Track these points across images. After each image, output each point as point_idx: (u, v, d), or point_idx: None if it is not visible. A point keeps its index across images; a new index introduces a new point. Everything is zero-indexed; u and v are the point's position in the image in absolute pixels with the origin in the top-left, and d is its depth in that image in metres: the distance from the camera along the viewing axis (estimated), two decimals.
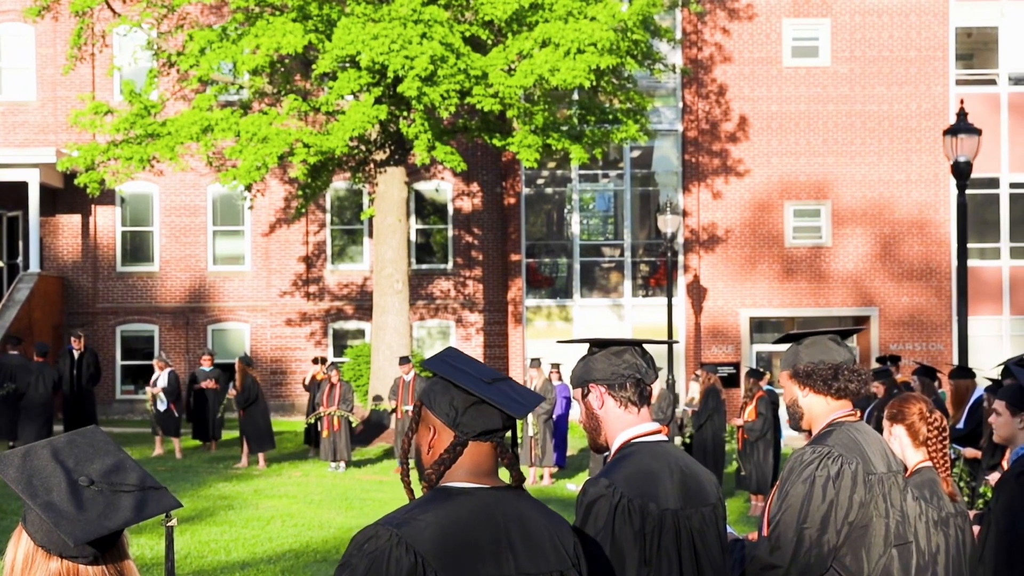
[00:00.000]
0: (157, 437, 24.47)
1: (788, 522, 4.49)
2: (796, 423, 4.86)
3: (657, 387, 21.21)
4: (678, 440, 20.90)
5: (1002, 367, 10.30)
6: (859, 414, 4.86)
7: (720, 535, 4.04)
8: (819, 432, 4.74)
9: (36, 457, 2.75)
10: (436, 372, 3.26)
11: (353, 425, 22.74)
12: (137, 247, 33.97)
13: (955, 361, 23.21)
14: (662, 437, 4.07)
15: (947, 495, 5.71)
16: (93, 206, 33.04)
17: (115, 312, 33.53)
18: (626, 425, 4.03)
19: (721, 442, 19.35)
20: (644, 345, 4.17)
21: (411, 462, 3.47)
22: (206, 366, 25.40)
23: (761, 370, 19.64)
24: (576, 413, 4.17)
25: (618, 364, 4.06)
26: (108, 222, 33.68)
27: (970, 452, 11.07)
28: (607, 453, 4.13)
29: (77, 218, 33.48)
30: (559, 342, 4.75)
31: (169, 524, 2.88)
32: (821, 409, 4.77)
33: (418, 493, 3.30)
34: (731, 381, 30.12)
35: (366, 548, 3.08)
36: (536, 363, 22.09)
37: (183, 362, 32.57)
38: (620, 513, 3.80)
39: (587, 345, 4.22)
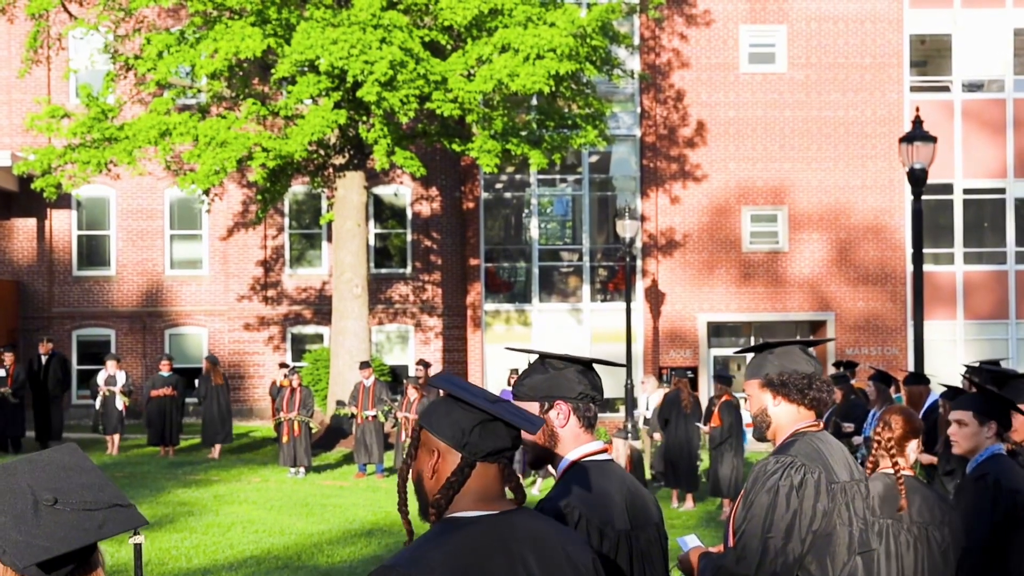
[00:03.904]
0: (109, 437, 24.93)
1: (753, 532, 4.53)
2: (762, 433, 4.84)
3: (660, 393, 21.12)
4: (638, 444, 21.00)
5: (968, 369, 10.40)
6: (822, 424, 4.88)
7: (663, 553, 4.06)
8: (783, 442, 4.75)
9: (2, 477, 2.77)
10: (445, 389, 3.16)
11: (313, 431, 22.72)
12: (93, 251, 33.74)
13: (911, 365, 23.48)
14: (608, 456, 4.09)
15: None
16: (49, 210, 32.80)
17: (71, 316, 33.30)
18: (580, 443, 4.03)
19: (693, 446, 19.41)
20: (595, 365, 4.17)
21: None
22: (165, 371, 25.35)
23: (731, 376, 19.78)
24: None
25: (585, 384, 4.06)
26: (64, 226, 33.45)
27: (926, 458, 11.22)
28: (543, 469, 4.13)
29: (32, 222, 33.22)
30: (508, 348, 4.71)
31: (135, 540, 2.89)
32: (789, 419, 4.77)
33: (416, 525, 3.19)
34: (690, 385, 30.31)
35: None
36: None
37: (140, 367, 32.40)
38: (579, 534, 3.76)
39: (538, 356, 4.19)
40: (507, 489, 3.19)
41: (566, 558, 3.15)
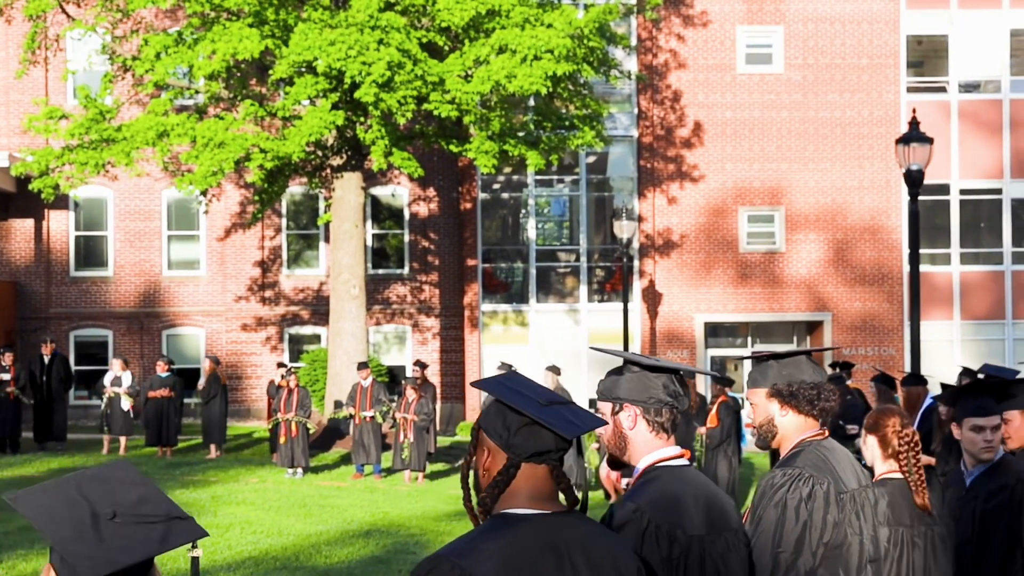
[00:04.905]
0: (107, 436, 25.02)
1: (763, 547, 4.49)
2: (766, 442, 4.81)
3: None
4: None
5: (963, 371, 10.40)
6: (827, 432, 4.83)
7: (742, 560, 4.01)
8: (788, 453, 4.72)
9: (60, 491, 2.77)
10: (490, 392, 3.25)
11: (311, 432, 22.73)
12: (91, 252, 33.75)
13: (907, 366, 23.52)
14: (685, 461, 4.06)
15: (918, 506, 5.81)
16: (46, 210, 32.81)
17: (69, 317, 33.31)
18: (653, 449, 4.00)
19: (690, 446, 19.42)
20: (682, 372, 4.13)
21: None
22: (162, 372, 25.38)
23: (731, 378, 19.75)
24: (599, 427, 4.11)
25: (656, 388, 4.02)
26: (61, 226, 33.46)
27: (925, 459, 11.22)
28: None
29: (30, 222, 33.23)
30: (593, 348, 4.71)
31: (194, 554, 2.90)
32: (796, 428, 4.75)
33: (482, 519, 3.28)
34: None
35: None
36: (505, 368, 22.19)
37: (138, 368, 32.38)
38: (648, 539, 3.76)
39: (623, 359, 4.17)
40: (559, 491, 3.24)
41: (612, 563, 3.22)
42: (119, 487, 2.82)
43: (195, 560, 2.90)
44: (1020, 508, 5.99)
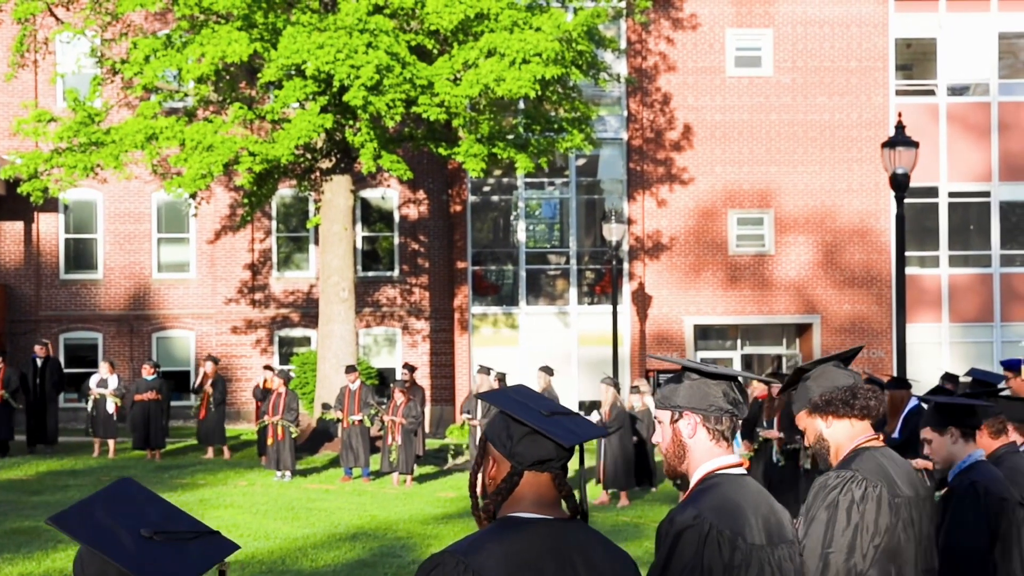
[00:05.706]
0: (96, 440, 24.98)
1: (813, 548, 4.51)
2: (825, 461, 4.80)
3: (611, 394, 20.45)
4: None
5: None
6: (882, 438, 4.80)
7: (797, 572, 4.01)
8: (843, 458, 4.72)
9: (91, 514, 2.75)
10: (494, 404, 3.35)
11: (294, 436, 22.62)
12: (81, 254, 33.73)
13: (895, 368, 23.59)
14: (743, 470, 4.03)
15: None
16: (36, 213, 32.77)
17: (58, 320, 33.28)
18: (712, 457, 3.96)
19: None
20: (739, 378, 4.11)
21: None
22: (148, 375, 25.38)
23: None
24: (656, 436, 4.13)
25: (717, 396, 3.98)
26: (51, 229, 33.43)
27: (920, 463, 11.23)
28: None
29: (19, 225, 33.20)
30: (652, 357, 4.72)
31: (223, 568, 2.94)
32: (846, 434, 4.74)
33: None
34: None
35: (433, 574, 3.17)
36: (485, 370, 22.20)
37: (128, 370, 32.37)
38: (710, 544, 3.74)
39: (681, 367, 4.15)
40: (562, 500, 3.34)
41: (612, 571, 3.32)
42: (139, 506, 2.83)
43: (222, 573, 2.94)
44: (942, 516, 6.03)
